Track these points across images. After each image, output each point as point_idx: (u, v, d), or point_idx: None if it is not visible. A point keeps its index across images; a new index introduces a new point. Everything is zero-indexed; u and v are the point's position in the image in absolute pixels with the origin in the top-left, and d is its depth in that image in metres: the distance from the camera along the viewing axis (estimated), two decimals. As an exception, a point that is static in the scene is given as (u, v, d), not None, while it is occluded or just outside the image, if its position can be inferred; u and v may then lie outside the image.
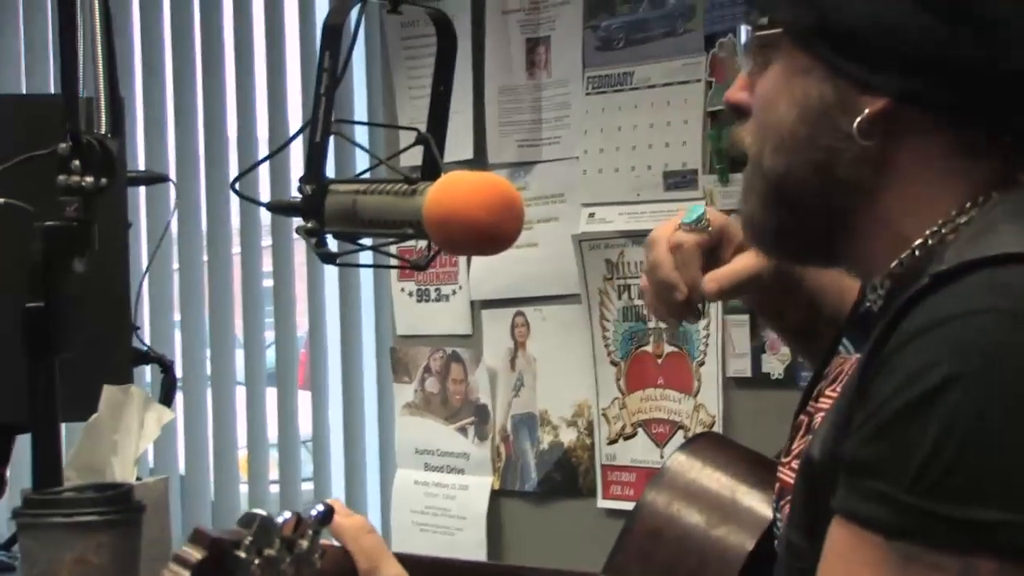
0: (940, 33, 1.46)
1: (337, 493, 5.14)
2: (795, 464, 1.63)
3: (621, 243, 3.86)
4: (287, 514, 1.36)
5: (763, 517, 1.63)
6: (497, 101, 4.15)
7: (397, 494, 4.44)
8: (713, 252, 1.83)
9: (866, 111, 1.47)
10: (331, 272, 5.04)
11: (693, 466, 1.73)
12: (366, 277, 5.01)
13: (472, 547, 4.18)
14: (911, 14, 1.46)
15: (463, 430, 4.26)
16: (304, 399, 5.31)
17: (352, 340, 5.09)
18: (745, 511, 1.64)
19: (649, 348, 3.85)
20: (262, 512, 1.35)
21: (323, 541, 1.45)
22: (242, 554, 1.31)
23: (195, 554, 1.31)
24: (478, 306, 4.29)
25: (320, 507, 1.40)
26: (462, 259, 4.15)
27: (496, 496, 4.20)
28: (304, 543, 1.37)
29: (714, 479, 1.70)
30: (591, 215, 3.88)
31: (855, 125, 1.48)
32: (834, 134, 1.50)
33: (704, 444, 1.75)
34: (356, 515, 1.55)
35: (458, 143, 3.94)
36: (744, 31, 1.60)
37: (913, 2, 1.46)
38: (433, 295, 4.35)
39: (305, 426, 5.32)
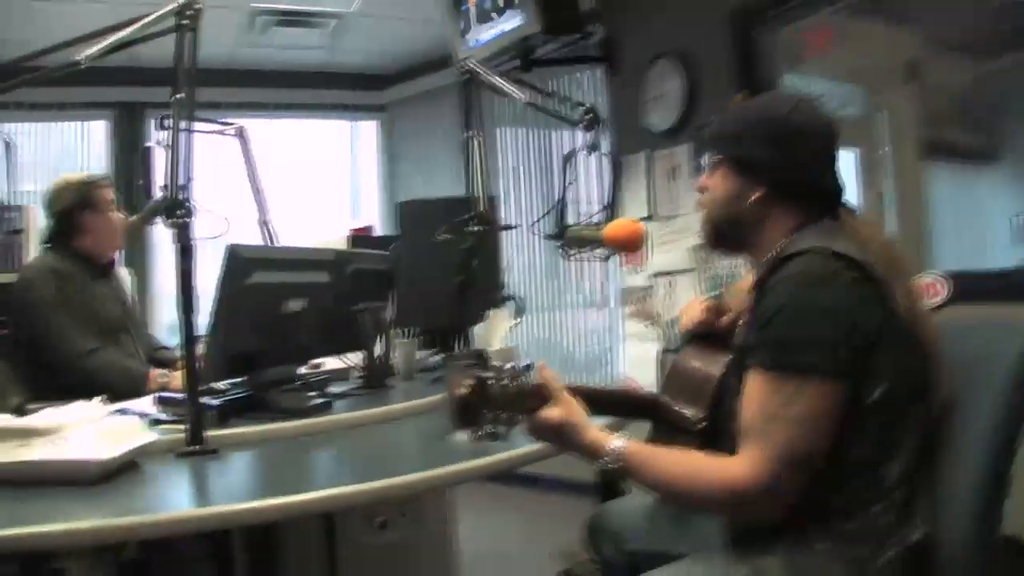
0: (781, 165, 1.44)
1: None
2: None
3: (701, 253, 3.69)
4: (515, 365, 1.33)
5: (725, 360, 1.55)
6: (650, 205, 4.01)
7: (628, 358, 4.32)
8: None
9: (754, 196, 1.45)
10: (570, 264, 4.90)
11: (694, 346, 1.64)
12: (595, 265, 4.80)
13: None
14: (769, 156, 1.44)
15: (648, 323, 4.15)
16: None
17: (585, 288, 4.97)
18: (714, 361, 1.56)
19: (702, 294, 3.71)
20: (499, 364, 1.34)
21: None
22: (504, 381, 1.30)
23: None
24: (653, 275, 4.13)
25: (528, 361, 1.37)
26: (647, 256, 4.03)
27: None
28: (522, 378, 1.32)
29: (702, 348, 1.62)
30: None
31: (749, 201, 1.45)
32: (740, 204, 1.47)
33: (695, 338, 1.66)
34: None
35: (631, 211, 3.86)
36: (705, 157, 1.55)
37: (772, 149, 1.43)
38: (636, 271, 4.23)
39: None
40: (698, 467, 1.33)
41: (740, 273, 3.50)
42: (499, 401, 1.30)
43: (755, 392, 1.30)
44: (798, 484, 1.27)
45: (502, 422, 1.30)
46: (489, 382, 1.30)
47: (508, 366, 1.33)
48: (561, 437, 1.37)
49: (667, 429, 1.52)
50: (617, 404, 1.61)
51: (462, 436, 1.33)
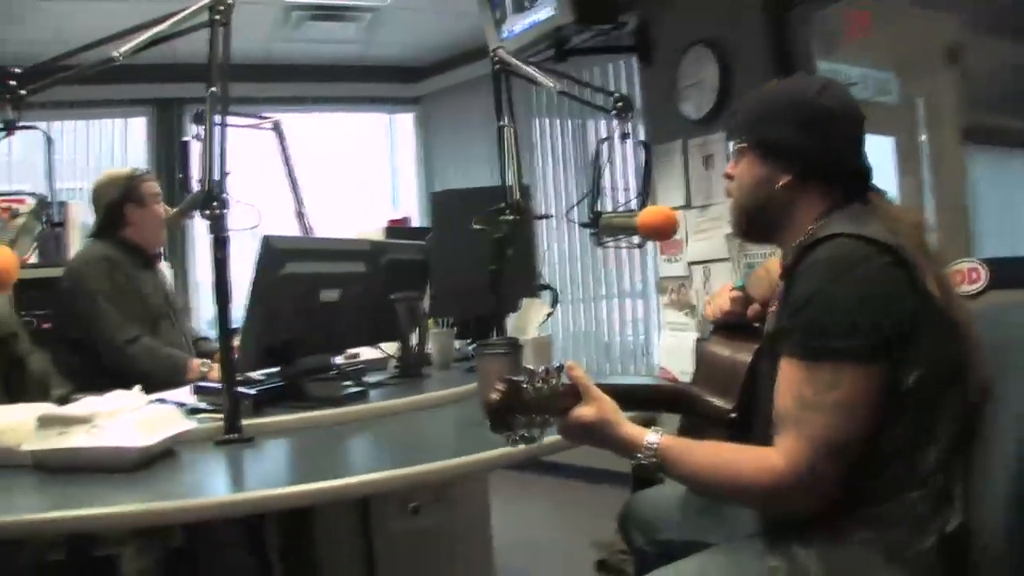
0: (810, 149, 1.41)
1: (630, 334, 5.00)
2: None
3: (736, 242, 3.63)
4: (547, 367, 1.33)
5: (754, 348, 1.53)
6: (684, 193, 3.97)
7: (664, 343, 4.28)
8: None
9: (782, 181, 1.43)
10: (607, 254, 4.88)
11: (720, 335, 1.62)
12: (632, 254, 4.77)
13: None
14: (798, 140, 1.41)
15: (685, 312, 4.12)
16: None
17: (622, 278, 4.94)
18: (743, 350, 1.54)
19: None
20: (531, 367, 1.33)
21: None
22: (537, 383, 1.30)
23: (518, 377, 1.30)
24: (690, 263, 4.09)
25: (558, 363, 1.36)
26: (683, 245, 4.00)
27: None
28: (554, 379, 1.32)
29: (730, 336, 1.60)
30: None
31: (777, 187, 1.43)
32: (768, 190, 1.44)
33: (722, 327, 1.65)
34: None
35: (667, 200, 3.84)
36: (731, 145, 1.52)
37: (801, 133, 1.41)
38: (672, 260, 4.20)
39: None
40: (733, 459, 1.31)
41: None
42: (532, 404, 1.30)
43: (789, 380, 1.28)
44: (836, 473, 1.24)
45: (536, 425, 1.31)
46: (523, 385, 1.30)
47: (540, 368, 1.32)
48: (595, 435, 1.36)
49: (698, 420, 1.50)
50: (646, 398, 1.59)
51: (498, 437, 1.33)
